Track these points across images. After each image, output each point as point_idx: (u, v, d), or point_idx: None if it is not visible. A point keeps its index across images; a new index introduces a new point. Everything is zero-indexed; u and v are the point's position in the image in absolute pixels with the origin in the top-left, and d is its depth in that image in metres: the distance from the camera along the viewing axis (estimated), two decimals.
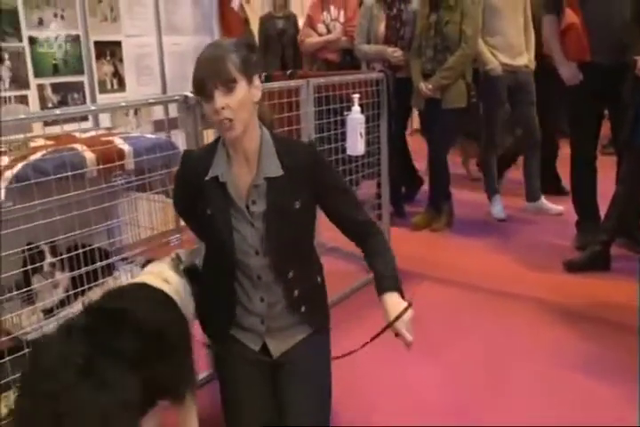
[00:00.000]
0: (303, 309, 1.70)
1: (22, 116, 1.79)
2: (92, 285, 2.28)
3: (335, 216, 1.73)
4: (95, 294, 2.35)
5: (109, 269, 2.53)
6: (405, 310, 1.55)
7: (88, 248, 2.24)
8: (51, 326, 2.32)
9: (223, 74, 1.48)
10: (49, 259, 2.39)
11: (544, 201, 4.18)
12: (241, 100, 1.50)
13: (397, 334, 1.55)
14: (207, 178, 1.61)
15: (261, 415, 1.65)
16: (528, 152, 4.14)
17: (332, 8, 4.37)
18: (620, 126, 3.22)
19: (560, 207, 4.10)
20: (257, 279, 1.67)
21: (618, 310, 2.75)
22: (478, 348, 2.50)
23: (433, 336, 2.55)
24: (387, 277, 1.63)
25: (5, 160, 2.13)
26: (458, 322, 2.73)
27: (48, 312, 2.45)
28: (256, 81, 1.57)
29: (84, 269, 2.14)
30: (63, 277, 2.44)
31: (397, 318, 1.54)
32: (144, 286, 1.67)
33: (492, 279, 3.15)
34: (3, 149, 2.09)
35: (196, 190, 1.65)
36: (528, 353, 2.45)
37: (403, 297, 1.61)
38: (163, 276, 1.71)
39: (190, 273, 1.79)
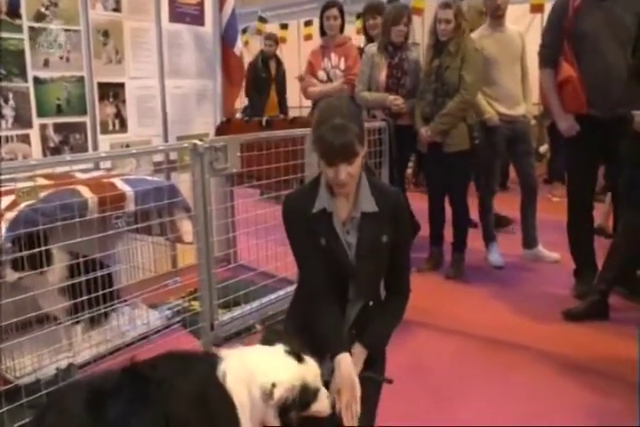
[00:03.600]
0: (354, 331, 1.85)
1: (33, 162, 1.77)
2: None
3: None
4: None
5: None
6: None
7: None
8: (44, 370, 2.27)
9: (351, 153, 1.64)
10: None
11: (541, 248, 4.19)
12: (359, 165, 1.69)
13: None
14: (314, 211, 1.77)
15: None
16: (525, 200, 4.16)
17: (332, 55, 4.44)
18: (616, 179, 3.25)
19: (556, 255, 4.10)
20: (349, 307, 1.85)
21: (616, 360, 2.72)
22: (477, 399, 2.45)
23: (432, 387, 2.50)
24: (369, 335, 1.79)
25: (6, 201, 2.11)
26: (456, 373, 2.68)
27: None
28: (365, 140, 1.71)
29: (87, 314, 2.11)
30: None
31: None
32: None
33: (490, 329, 3.11)
34: (3, 190, 2.06)
35: (305, 226, 1.78)
36: (527, 405, 2.40)
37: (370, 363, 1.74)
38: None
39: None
